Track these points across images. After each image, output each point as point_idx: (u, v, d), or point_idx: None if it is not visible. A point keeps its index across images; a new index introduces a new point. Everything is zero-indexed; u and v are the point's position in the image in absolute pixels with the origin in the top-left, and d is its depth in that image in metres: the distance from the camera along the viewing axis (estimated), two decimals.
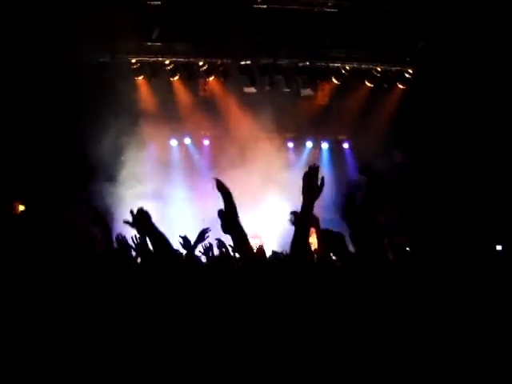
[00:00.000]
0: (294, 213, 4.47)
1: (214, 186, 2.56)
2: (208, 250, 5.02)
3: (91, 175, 12.17)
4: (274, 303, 2.39)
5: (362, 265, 1.87)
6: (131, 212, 3.08)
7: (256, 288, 2.67)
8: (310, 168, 2.38)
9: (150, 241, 3.14)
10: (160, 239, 3.06)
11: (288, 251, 5.25)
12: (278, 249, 6.26)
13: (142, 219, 3.04)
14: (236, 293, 2.73)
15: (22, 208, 12.16)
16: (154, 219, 3.12)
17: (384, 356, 1.70)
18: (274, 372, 2.07)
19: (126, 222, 3.10)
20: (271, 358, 2.12)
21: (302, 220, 2.65)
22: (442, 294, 2.02)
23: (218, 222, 2.64)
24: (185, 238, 4.62)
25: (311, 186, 2.28)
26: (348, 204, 1.96)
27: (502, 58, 11.21)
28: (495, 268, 2.95)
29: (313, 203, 2.32)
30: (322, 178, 2.35)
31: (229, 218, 2.56)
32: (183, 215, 13.29)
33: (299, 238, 2.75)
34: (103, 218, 3.59)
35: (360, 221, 1.88)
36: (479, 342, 1.67)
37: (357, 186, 1.97)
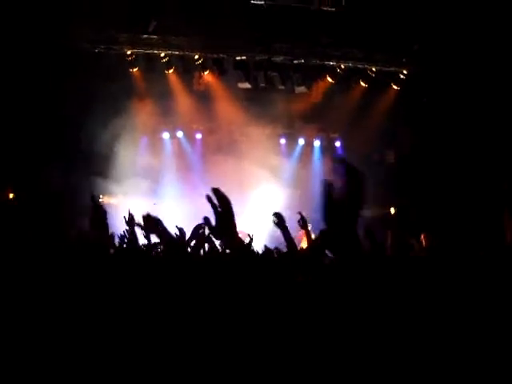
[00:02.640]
0: (276, 214, 4.52)
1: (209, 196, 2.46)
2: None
3: (81, 168, 12.13)
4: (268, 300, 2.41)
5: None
6: (143, 217, 3.15)
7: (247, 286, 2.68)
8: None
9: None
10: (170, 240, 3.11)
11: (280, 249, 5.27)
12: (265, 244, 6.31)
13: (150, 224, 3.08)
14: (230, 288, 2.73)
15: (12, 195, 12.08)
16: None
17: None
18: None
19: (138, 225, 3.18)
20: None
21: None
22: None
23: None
24: (181, 231, 4.64)
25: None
26: (326, 202, 1.84)
27: (497, 58, 11.26)
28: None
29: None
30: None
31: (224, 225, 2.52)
32: (175, 210, 13.30)
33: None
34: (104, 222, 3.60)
35: (340, 219, 1.82)
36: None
37: (331, 184, 1.83)
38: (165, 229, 3.09)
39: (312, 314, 2.06)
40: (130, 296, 2.77)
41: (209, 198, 2.40)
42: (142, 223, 3.16)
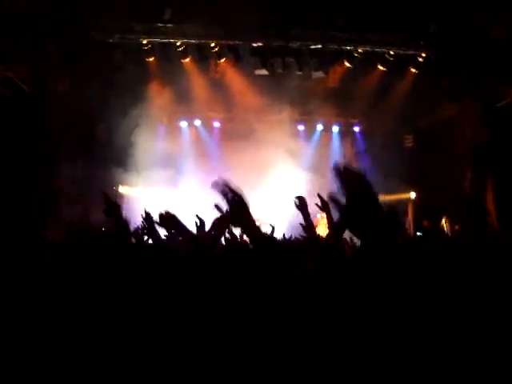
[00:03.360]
0: (299, 197, 4.41)
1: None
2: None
3: (99, 159, 12.18)
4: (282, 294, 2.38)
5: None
6: (160, 215, 3.11)
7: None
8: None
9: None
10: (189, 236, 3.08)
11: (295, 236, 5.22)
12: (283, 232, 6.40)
13: (168, 222, 3.05)
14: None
15: None
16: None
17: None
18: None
19: (155, 223, 3.15)
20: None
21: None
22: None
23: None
24: (201, 221, 4.60)
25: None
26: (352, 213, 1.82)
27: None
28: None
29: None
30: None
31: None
32: (194, 198, 13.33)
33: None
34: (118, 211, 3.57)
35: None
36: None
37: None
38: (181, 224, 3.06)
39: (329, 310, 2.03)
40: (145, 288, 2.76)
41: (216, 186, 2.36)
42: (159, 221, 3.12)
